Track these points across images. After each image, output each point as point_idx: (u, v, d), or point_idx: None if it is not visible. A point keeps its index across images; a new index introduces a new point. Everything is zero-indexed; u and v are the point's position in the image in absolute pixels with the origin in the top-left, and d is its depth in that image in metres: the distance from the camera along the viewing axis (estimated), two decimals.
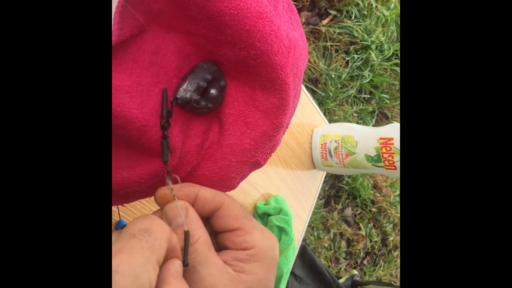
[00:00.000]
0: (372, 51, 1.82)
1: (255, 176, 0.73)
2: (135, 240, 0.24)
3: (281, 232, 0.70)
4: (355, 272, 1.34)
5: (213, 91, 0.30)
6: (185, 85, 0.29)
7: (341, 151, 0.82)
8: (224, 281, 0.27)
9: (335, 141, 0.83)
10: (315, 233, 1.82)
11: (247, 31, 0.27)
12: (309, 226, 1.76)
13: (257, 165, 0.33)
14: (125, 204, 0.33)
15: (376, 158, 0.78)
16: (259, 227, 0.30)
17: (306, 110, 0.85)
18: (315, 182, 0.90)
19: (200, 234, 0.28)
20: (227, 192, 0.32)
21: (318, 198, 0.82)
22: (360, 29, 1.76)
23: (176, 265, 0.26)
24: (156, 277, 0.24)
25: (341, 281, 1.29)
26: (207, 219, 0.31)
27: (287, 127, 0.34)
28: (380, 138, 0.77)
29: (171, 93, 0.29)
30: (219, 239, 0.31)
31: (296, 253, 0.80)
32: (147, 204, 0.57)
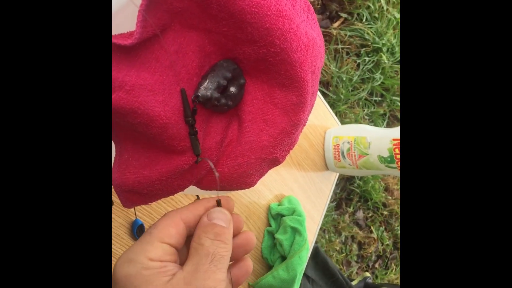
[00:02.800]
0: (383, 54, 1.81)
1: (268, 177, 0.73)
2: None
3: (295, 232, 0.71)
4: (367, 274, 1.33)
5: (232, 89, 0.31)
6: (205, 83, 0.29)
7: (354, 152, 0.82)
8: None
9: (348, 142, 0.83)
10: (327, 236, 1.82)
11: (267, 29, 0.28)
12: (320, 229, 1.76)
13: (276, 162, 0.33)
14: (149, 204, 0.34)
15: (389, 159, 0.78)
16: None
17: (318, 112, 0.85)
18: (328, 183, 0.90)
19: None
20: (245, 190, 0.33)
21: (329, 201, 0.82)
22: (371, 31, 1.76)
23: None
24: None
25: (353, 283, 1.29)
26: None
27: (304, 124, 0.34)
28: (393, 139, 0.77)
29: (191, 92, 0.30)
30: None
31: (309, 254, 0.80)
32: (163, 204, 0.58)
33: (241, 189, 0.34)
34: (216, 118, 0.32)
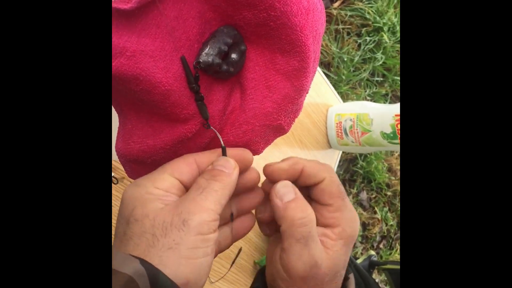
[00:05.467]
0: (384, 33, 1.80)
1: (271, 155, 0.74)
2: None
3: None
4: (372, 252, 1.34)
5: (234, 55, 0.30)
6: (207, 49, 0.29)
7: (356, 129, 0.82)
8: (324, 258, 0.31)
9: (350, 119, 0.83)
10: None
11: None
12: None
13: (281, 129, 0.33)
14: None
15: (391, 135, 0.78)
16: (349, 207, 0.33)
17: (320, 90, 0.85)
18: (331, 161, 0.90)
19: (309, 212, 0.31)
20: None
21: None
22: (372, 11, 1.74)
23: None
24: None
25: (358, 261, 1.30)
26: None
27: (307, 91, 0.34)
28: (396, 115, 0.77)
29: (193, 58, 0.30)
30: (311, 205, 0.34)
31: None
32: None
33: None
34: (218, 86, 0.32)
